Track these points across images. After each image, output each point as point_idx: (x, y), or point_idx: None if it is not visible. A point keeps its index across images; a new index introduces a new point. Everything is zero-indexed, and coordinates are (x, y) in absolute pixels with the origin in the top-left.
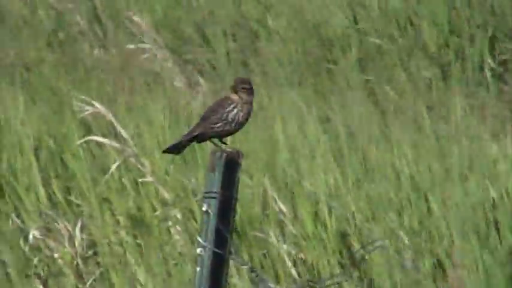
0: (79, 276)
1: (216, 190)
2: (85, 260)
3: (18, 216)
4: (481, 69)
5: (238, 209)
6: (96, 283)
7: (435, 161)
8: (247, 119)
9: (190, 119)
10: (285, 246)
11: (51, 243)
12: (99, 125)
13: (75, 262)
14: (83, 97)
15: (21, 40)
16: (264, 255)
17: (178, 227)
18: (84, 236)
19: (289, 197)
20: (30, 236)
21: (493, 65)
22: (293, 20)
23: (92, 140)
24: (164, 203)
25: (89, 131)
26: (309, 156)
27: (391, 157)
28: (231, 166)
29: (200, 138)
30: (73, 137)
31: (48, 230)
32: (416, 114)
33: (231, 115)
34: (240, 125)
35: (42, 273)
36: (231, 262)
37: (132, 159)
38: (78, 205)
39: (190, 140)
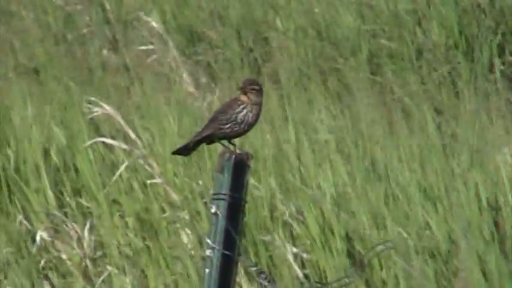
0: (87, 277)
1: (225, 192)
2: (93, 261)
3: (26, 217)
4: (491, 71)
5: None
6: (105, 285)
7: (442, 163)
8: (256, 120)
9: (200, 120)
10: (292, 248)
11: (59, 245)
12: (108, 126)
13: (83, 263)
14: (92, 98)
15: (30, 42)
16: (271, 257)
17: (186, 229)
18: (93, 238)
19: (295, 199)
20: (38, 237)
21: (502, 67)
22: (302, 22)
23: (101, 142)
24: (172, 205)
25: (98, 132)
26: (316, 158)
27: (398, 159)
28: (240, 168)
29: (209, 139)
30: (82, 139)
31: (56, 232)
32: (424, 115)
33: (240, 116)
34: (249, 126)
35: (50, 275)
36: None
37: (141, 161)
38: (87, 206)
39: (200, 141)
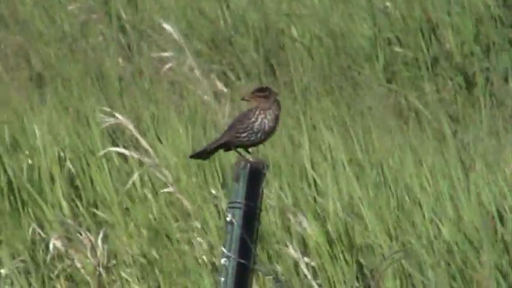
0: (101, 286)
1: (241, 200)
2: (107, 270)
3: (39, 226)
4: (506, 79)
5: None
6: None
7: (456, 172)
8: (273, 130)
9: (215, 129)
10: (304, 258)
11: (73, 253)
12: (122, 135)
13: (97, 272)
14: (106, 108)
15: (44, 50)
16: (284, 267)
17: (199, 238)
18: (106, 247)
19: (306, 209)
20: (51, 246)
21: None
22: (318, 30)
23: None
24: (185, 214)
25: (113, 141)
26: (329, 168)
27: (411, 168)
28: (255, 176)
29: (226, 146)
30: (96, 148)
31: (69, 240)
32: (440, 124)
33: (256, 125)
34: (266, 135)
35: (63, 284)
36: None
37: (153, 170)
38: (100, 215)
39: (217, 148)
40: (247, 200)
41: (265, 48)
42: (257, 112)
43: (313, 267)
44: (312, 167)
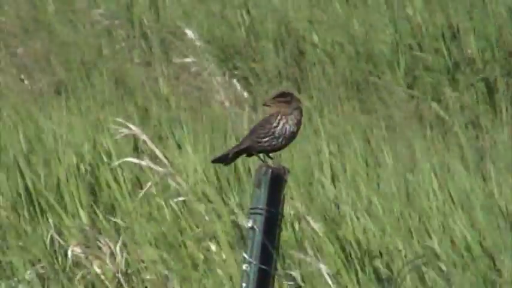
0: None
1: (262, 206)
2: (127, 276)
3: (58, 233)
4: None
5: None
6: None
7: (477, 179)
8: (294, 135)
9: (236, 135)
10: (323, 266)
11: (93, 260)
12: (144, 143)
13: (116, 279)
14: (119, 119)
15: (66, 57)
16: (302, 274)
17: (213, 247)
18: (125, 254)
19: (324, 216)
20: (69, 253)
21: None
22: (338, 36)
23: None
24: (202, 222)
25: (135, 147)
26: (347, 175)
27: (431, 175)
28: (276, 182)
29: (247, 151)
30: (112, 156)
31: (87, 247)
32: (460, 129)
33: (277, 130)
34: (287, 141)
35: None
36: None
37: (169, 179)
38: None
39: (238, 153)
40: (269, 205)
41: (286, 54)
42: (278, 117)
43: (328, 274)
44: (332, 177)
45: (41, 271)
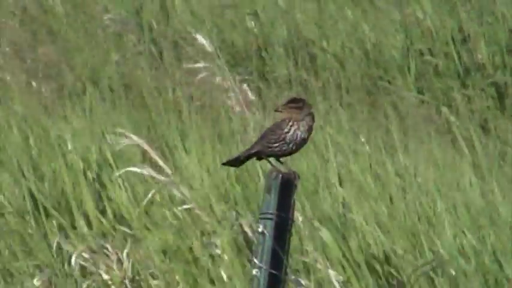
0: None
1: (272, 211)
2: (134, 282)
3: (65, 239)
4: None
5: None
6: None
7: (489, 185)
8: (305, 141)
9: (245, 141)
10: (332, 272)
11: (100, 266)
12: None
13: (123, 286)
14: (119, 130)
15: (76, 61)
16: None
17: (222, 254)
18: (131, 261)
19: (331, 222)
20: (73, 259)
21: None
22: (348, 42)
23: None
24: (206, 231)
25: (143, 154)
26: (355, 184)
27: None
28: (287, 187)
29: (258, 155)
30: (116, 165)
31: (93, 252)
32: (471, 135)
33: (288, 136)
34: (298, 146)
35: None
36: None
37: (171, 188)
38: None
39: (248, 157)
40: (279, 211)
41: (296, 59)
42: (290, 123)
43: (337, 281)
44: (340, 183)
45: (48, 277)
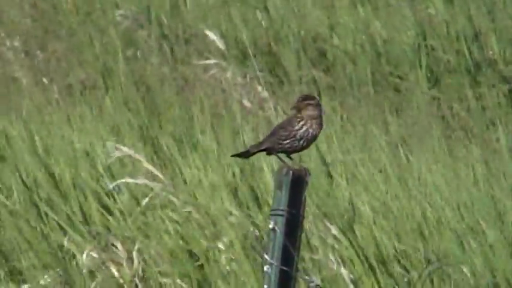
0: None
1: (283, 208)
2: (144, 280)
3: (72, 238)
4: None
5: None
6: None
7: (499, 181)
8: (316, 136)
9: (254, 140)
10: (342, 268)
11: (109, 265)
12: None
13: (133, 284)
14: (110, 142)
15: (87, 57)
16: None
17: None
18: (141, 258)
19: (341, 218)
20: (84, 256)
21: None
22: (359, 38)
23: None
24: (209, 235)
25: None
26: (366, 178)
27: (449, 175)
28: (298, 184)
29: (267, 151)
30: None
31: (103, 250)
32: (482, 131)
33: (299, 133)
34: (308, 143)
35: None
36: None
37: (170, 196)
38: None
39: (258, 152)
40: (290, 207)
41: (307, 55)
42: (302, 121)
43: (350, 279)
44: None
45: (56, 276)
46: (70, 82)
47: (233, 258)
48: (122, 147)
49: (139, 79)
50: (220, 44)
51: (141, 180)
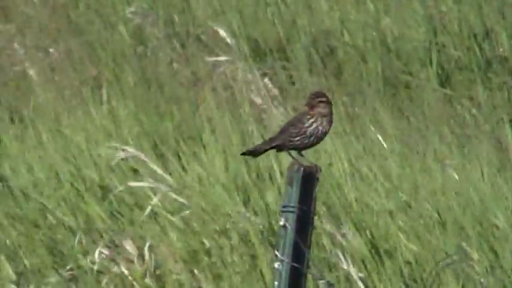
0: None
1: (294, 204)
2: (155, 277)
3: (85, 236)
4: None
5: None
6: None
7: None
8: (326, 133)
9: (265, 137)
10: (351, 267)
11: (120, 262)
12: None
13: (145, 281)
14: (114, 144)
15: (98, 54)
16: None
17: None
18: (153, 255)
19: (351, 216)
20: (96, 254)
21: None
22: (370, 35)
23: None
24: (214, 234)
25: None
26: (377, 173)
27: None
28: (308, 180)
29: (278, 149)
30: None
31: (116, 246)
32: (493, 128)
33: (309, 130)
34: (318, 139)
35: None
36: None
37: (172, 195)
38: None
39: (269, 149)
40: (301, 204)
41: (318, 52)
42: (312, 119)
43: (360, 278)
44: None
45: (68, 274)
46: (81, 79)
47: (243, 255)
48: (127, 147)
49: (149, 76)
50: (231, 41)
51: (146, 183)
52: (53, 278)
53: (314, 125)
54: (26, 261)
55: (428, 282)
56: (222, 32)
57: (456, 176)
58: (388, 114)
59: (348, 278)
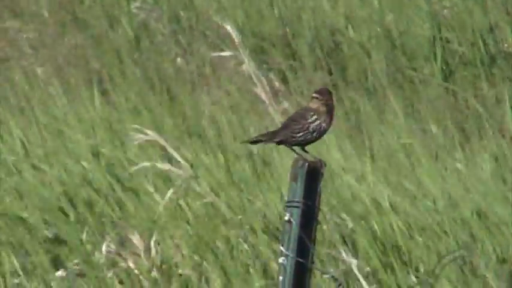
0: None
1: (298, 199)
2: (162, 271)
3: (91, 229)
4: None
5: None
6: None
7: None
8: (326, 130)
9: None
10: (356, 262)
11: (128, 256)
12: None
13: (151, 275)
14: (136, 126)
15: (102, 50)
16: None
17: (245, 246)
18: (159, 249)
19: (355, 211)
20: (103, 248)
21: None
22: (374, 30)
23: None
24: (227, 224)
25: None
26: (383, 168)
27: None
28: (313, 175)
29: (280, 144)
30: (135, 159)
31: (122, 241)
32: (497, 123)
33: (312, 126)
34: (321, 135)
35: (117, 286)
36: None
37: (190, 183)
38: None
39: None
40: (305, 199)
41: (322, 48)
42: (315, 115)
43: (368, 272)
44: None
45: (75, 268)
46: (86, 74)
47: (255, 246)
48: (148, 131)
49: (154, 71)
50: (236, 36)
51: (161, 165)
52: (60, 273)
53: (317, 122)
54: (32, 256)
55: (434, 277)
56: (227, 28)
57: (462, 169)
58: (392, 109)
59: (352, 273)
